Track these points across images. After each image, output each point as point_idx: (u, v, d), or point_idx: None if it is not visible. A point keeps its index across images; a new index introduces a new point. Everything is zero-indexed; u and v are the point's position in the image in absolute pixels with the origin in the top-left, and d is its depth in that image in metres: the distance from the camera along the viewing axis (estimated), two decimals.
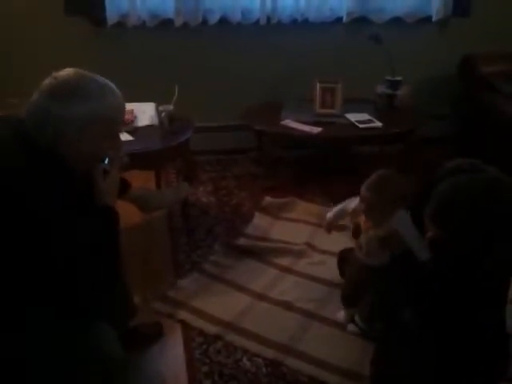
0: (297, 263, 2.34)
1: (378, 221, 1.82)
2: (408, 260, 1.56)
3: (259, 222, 2.66)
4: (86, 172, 1.41)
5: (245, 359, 1.84)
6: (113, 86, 1.38)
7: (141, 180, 2.08)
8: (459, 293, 1.51)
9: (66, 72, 1.33)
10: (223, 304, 2.08)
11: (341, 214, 2.09)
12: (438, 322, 1.56)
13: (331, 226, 2.11)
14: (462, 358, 1.56)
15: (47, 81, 1.32)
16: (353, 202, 2.01)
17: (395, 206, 1.68)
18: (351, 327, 1.96)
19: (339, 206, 2.28)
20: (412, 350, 1.60)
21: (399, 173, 1.92)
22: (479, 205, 1.41)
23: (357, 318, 1.96)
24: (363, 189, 1.89)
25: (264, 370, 1.80)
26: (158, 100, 2.60)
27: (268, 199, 2.84)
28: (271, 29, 3.16)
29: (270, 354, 1.85)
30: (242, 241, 2.49)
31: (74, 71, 1.34)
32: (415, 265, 1.54)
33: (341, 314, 2.01)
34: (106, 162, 1.46)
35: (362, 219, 1.94)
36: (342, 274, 2.15)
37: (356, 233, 1.98)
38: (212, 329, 1.96)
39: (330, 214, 2.06)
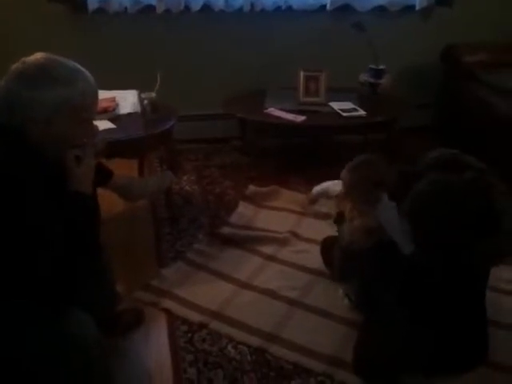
0: (281, 251, 2.34)
1: (363, 210, 1.83)
2: (392, 249, 1.58)
3: (243, 210, 2.66)
4: (59, 158, 1.39)
5: (229, 347, 1.84)
6: (85, 71, 1.36)
7: (123, 168, 2.06)
8: (442, 284, 1.53)
9: (35, 56, 1.31)
10: (207, 292, 2.08)
11: (324, 193, 2.15)
12: (423, 312, 1.58)
13: (313, 202, 2.35)
14: (446, 345, 1.58)
15: (15, 65, 1.29)
16: (337, 185, 2.03)
17: (376, 190, 1.69)
18: (346, 301, 1.99)
19: (325, 184, 2.30)
20: (396, 334, 1.62)
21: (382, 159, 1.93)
22: (454, 208, 1.44)
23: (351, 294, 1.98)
24: (344, 170, 1.91)
25: (249, 357, 1.80)
26: (140, 87, 2.56)
27: (252, 188, 2.83)
28: (254, 16, 3.14)
29: (254, 341, 1.85)
30: (225, 230, 2.48)
31: (43, 55, 1.31)
32: (399, 255, 1.56)
33: (340, 291, 2.04)
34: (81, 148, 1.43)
35: (346, 207, 1.95)
36: (325, 262, 2.16)
37: (338, 220, 1.99)
38: (196, 317, 1.95)
39: (314, 190, 2.14)
